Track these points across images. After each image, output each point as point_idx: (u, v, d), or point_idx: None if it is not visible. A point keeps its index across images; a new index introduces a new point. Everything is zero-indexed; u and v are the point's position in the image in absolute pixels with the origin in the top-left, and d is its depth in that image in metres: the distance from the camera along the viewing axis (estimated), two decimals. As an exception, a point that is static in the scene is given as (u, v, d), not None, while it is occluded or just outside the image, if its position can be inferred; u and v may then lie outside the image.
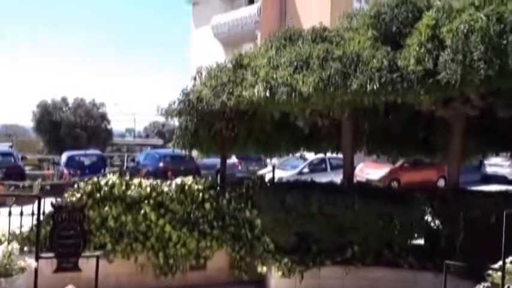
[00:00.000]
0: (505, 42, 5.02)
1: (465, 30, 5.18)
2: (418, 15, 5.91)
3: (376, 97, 5.66)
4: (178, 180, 7.27)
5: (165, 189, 7.09)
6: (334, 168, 17.30)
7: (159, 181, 7.36)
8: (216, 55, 22.26)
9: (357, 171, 17.88)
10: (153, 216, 6.82)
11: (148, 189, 6.97)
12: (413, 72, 5.36)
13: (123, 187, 6.94)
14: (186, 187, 7.15)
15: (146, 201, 6.89)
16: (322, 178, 13.26)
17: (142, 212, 6.81)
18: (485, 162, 19.81)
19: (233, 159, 19.08)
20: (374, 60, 5.56)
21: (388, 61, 5.53)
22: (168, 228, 6.84)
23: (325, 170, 17.89)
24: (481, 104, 6.29)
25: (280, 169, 17.23)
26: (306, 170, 17.86)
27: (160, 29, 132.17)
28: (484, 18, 5.11)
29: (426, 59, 5.36)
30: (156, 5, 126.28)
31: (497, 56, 5.01)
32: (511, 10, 5.14)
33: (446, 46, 5.33)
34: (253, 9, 25.21)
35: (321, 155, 15.18)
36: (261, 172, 16.33)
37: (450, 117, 6.73)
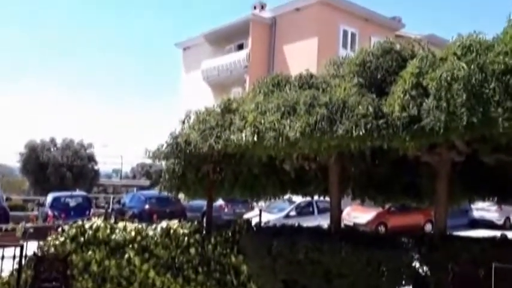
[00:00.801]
0: (486, 90, 5.16)
1: (448, 79, 5.32)
2: (403, 63, 6.09)
3: (362, 142, 5.72)
4: (164, 223, 7.17)
5: (150, 233, 6.97)
6: (321, 211, 17.23)
7: (144, 225, 7.25)
8: (205, 98, 22.55)
9: (344, 214, 17.82)
10: (137, 261, 6.66)
11: (133, 233, 6.85)
12: (399, 119, 5.45)
13: (108, 231, 6.83)
14: (171, 231, 7.04)
15: (130, 246, 6.76)
16: (309, 222, 13.19)
17: (126, 256, 6.66)
18: (473, 206, 19.91)
19: (219, 202, 18.91)
20: (360, 107, 5.66)
21: (374, 108, 5.63)
22: (152, 273, 6.67)
23: (312, 213, 17.80)
24: (466, 149, 6.38)
25: (266, 212, 17.10)
26: (293, 213, 17.73)
27: (150, 71, 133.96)
28: (465, 67, 5.26)
29: (411, 106, 5.47)
30: (146, 48, 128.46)
31: (480, 104, 5.12)
32: (492, 60, 5.32)
33: (430, 94, 5.46)
34: (242, 54, 25.81)
35: (308, 198, 15.14)
36: (247, 215, 16.16)
37: (436, 163, 6.81)
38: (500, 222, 20.61)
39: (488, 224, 19.76)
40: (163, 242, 6.92)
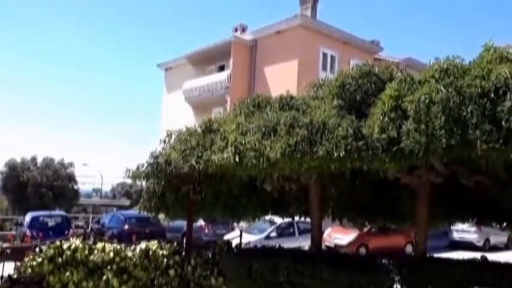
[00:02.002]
0: (464, 113, 5.25)
1: (426, 101, 5.39)
2: (381, 86, 6.18)
3: (342, 164, 5.74)
4: (143, 244, 7.03)
5: (129, 254, 6.82)
6: (302, 232, 17.14)
7: (123, 246, 7.08)
8: (186, 118, 22.49)
9: (325, 236, 17.78)
10: (115, 282, 6.50)
11: (111, 254, 6.70)
12: (378, 140, 5.50)
13: (86, 251, 6.66)
14: (151, 252, 6.90)
15: (109, 267, 6.61)
16: (290, 243, 13.10)
17: (104, 277, 6.51)
18: (452, 228, 20.07)
19: (200, 222, 18.68)
20: (340, 128, 5.70)
21: (353, 129, 5.68)
22: (129, 296, 6.48)
23: (293, 234, 17.69)
24: (445, 171, 6.45)
25: (247, 233, 16.94)
26: (273, 234, 17.60)
27: (132, 91, 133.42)
28: (443, 90, 5.36)
29: (390, 128, 5.52)
30: (129, 68, 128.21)
31: (458, 127, 5.20)
32: (469, 83, 5.43)
33: (408, 116, 5.53)
34: (223, 75, 25.95)
35: (289, 219, 15.08)
36: (228, 236, 15.99)
37: (415, 185, 6.86)
38: (480, 243, 20.72)
39: (468, 246, 19.86)
40: (142, 263, 6.77)
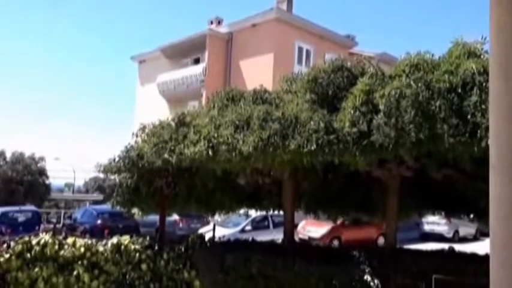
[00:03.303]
0: (433, 108, 5.36)
1: (396, 96, 5.49)
2: (353, 80, 6.25)
3: (314, 157, 5.79)
4: (115, 239, 6.94)
5: (100, 249, 6.73)
6: (276, 225, 17.25)
7: (94, 240, 6.98)
8: (161, 112, 22.24)
9: (299, 228, 17.95)
10: (86, 277, 6.41)
11: (82, 249, 6.59)
12: (349, 134, 5.56)
13: (56, 247, 6.53)
14: (122, 247, 6.82)
15: (80, 262, 6.51)
16: (264, 236, 13.18)
17: (75, 273, 6.40)
18: (423, 220, 20.54)
19: (174, 217, 18.55)
20: (311, 122, 5.75)
21: (325, 123, 5.73)
22: (101, 291, 6.41)
23: (267, 227, 17.79)
24: (415, 165, 6.59)
25: (222, 226, 16.95)
26: (248, 227, 17.66)
27: (106, 84, 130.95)
28: (413, 84, 5.46)
29: (361, 122, 5.60)
30: (102, 60, 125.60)
31: (427, 121, 5.32)
32: (438, 78, 5.55)
33: (379, 110, 5.61)
34: (198, 68, 25.74)
35: (263, 213, 15.15)
36: (202, 230, 15.95)
37: (386, 178, 6.99)
38: (450, 235, 21.34)
39: (439, 237, 20.38)
40: (114, 258, 6.69)
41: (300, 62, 24.77)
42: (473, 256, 7.16)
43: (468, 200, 7.42)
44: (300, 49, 25.19)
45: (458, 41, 6.00)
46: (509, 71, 1.64)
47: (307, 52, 25.43)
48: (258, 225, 17.94)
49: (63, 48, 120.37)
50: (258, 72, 22.01)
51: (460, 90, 5.23)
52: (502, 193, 1.69)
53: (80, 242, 6.76)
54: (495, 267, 1.70)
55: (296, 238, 9.08)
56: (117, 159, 6.90)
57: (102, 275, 6.52)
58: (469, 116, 5.10)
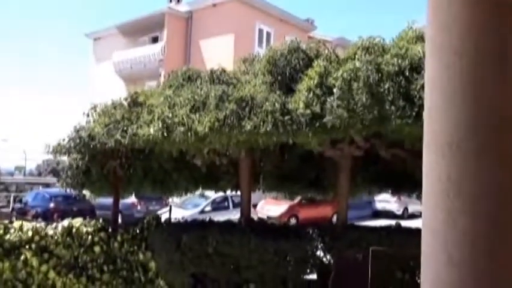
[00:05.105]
0: (382, 89, 5.54)
1: (349, 78, 5.63)
2: (309, 62, 6.34)
3: (269, 138, 5.88)
4: (65, 222, 6.79)
5: (50, 232, 6.58)
6: (236, 206, 17.37)
7: (43, 224, 6.80)
8: (117, 92, 21.64)
9: (258, 208, 18.22)
10: (34, 262, 6.25)
11: (30, 233, 6.41)
12: (302, 115, 5.67)
13: (1, 231, 6.31)
14: (74, 230, 6.69)
15: (27, 246, 6.32)
16: (224, 216, 13.27)
17: (22, 257, 6.21)
18: (376, 198, 21.33)
19: (132, 199, 18.32)
20: (267, 103, 5.81)
21: (280, 104, 5.81)
22: (52, 274, 6.31)
23: (227, 208, 17.92)
24: (365, 145, 6.82)
25: (182, 208, 16.94)
26: (208, 208, 17.72)
27: (59, 61, 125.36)
28: (364, 67, 5.61)
29: (314, 103, 5.72)
30: (54, 36, 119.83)
31: (376, 103, 5.49)
32: (387, 61, 5.72)
33: (333, 92, 5.75)
34: (157, 47, 25.20)
35: (223, 194, 15.22)
36: (160, 212, 15.86)
37: (338, 158, 7.19)
38: (400, 212, 22.38)
39: (389, 214, 21.35)
40: (65, 241, 6.56)
41: (260, 44, 24.73)
42: (417, 231, 7.53)
43: (414, 178, 7.77)
44: (261, 31, 25.13)
45: (409, 25, 6.20)
46: (444, 51, 1.71)
47: (268, 34, 25.41)
48: (219, 206, 18.03)
49: (10, 22, 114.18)
50: (218, 53, 21.80)
51: (407, 73, 5.43)
52: (433, 169, 1.78)
53: (28, 225, 6.57)
54: (425, 235, 1.82)
55: (255, 217, 9.22)
56: (66, 139, 6.71)
57: (52, 258, 6.38)
58: (415, 99, 5.31)
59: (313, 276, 7.35)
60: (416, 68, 5.44)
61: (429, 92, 1.87)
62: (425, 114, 1.88)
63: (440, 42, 1.77)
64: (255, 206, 17.09)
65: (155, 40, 26.59)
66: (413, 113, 5.26)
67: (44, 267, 6.27)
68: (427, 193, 1.85)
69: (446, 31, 1.73)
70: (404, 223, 8.67)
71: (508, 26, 1.71)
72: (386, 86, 5.51)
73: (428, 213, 1.85)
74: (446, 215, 1.73)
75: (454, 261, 1.68)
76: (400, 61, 5.53)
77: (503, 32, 1.70)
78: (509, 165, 1.69)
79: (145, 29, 26.34)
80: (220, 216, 12.70)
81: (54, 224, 6.80)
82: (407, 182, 7.99)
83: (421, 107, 5.28)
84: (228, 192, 11.89)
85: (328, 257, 7.09)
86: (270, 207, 18.78)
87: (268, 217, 17.77)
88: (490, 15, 1.67)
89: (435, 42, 1.81)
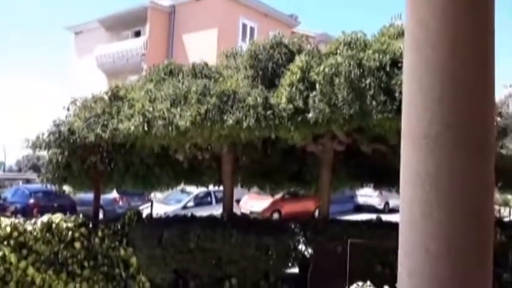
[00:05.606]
0: (363, 84, 5.57)
1: (331, 73, 5.64)
2: (291, 57, 6.34)
3: (251, 132, 5.87)
4: (45, 218, 6.68)
5: (29, 228, 6.45)
6: (219, 201, 17.28)
7: (22, 220, 6.68)
8: (99, 86, 21.31)
9: (241, 203, 18.20)
10: (13, 258, 6.14)
11: (8, 229, 6.29)
12: (285, 110, 5.68)
13: (-23, 227, 6.17)
14: (54, 225, 6.58)
15: (5, 242, 6.20)
16: (206, 211, 13.22)
17: (0, 254, 6.09)
18: (357, 193, 21.50)
19: (113, 195, 18.12)
20: (249, 98, 5.79)
21: (263, 99, 5.80)
22: (31, 270, 6.20)
23: (210, 203, 17.84)
24: (347, 140, 6.86)
25: (164, 204, 16.81)
26: (191, 203, 17.62)
27: (39, 54, 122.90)
28: (346, 62, 5.63)
29: (297, 98, 5.72)
30: (33, 28, 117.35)
31: (358, 98, 5.53)
32: (369, 57, 5.75)
33: (315, 87, 5.76)
34: (139, 42, 24.90)
35: (206, 189, 15.17)
36: (142, 207, 15.73)
37: (320, 152, 7.23)
38: (381, 206, 22.62)
39: (371, 209, 21.55)
40: (45, 237, 6.45)
41: (244, 39, 24.61)
42: (397, 224, 7.63)
43: (395, 173, 7.86)
44: (244, 26, 25.03)
45: (392, 21, 6.25)
46: (421, 44, 1.73)
47: (251, 29, 25.32)
48: (201, 201, 17.93)
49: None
50: (201, 48, 21.63)
51: (388, 69, 5.48)
52: (410, 159, 1.80)
53: (5, 221, 6.44)
54: (403, 227, 1.84)
55: (238, 213, 9.22)
56: (46, 133, 6.58)
57: (31, 254, 6.26)
58: (396, 94, 5.36)
59: (295, 270, 7.39)
60: (397, 63, 5.49)
61: (407, 85, 1.89)
62: (404, 107, 1.90)
63: (418, 36, 1.79)
64: (238, 201, 17.06)
65: (138, 34, 26.27)
66: (394, 108, 5.31)
67: (22, 264, 6.15)
68: (405, 186, 1.87)
69: (424, 26, 1.75)
70: (385, 217, 8.77)
71: (483, 22, 1.74)
72: (368, 81, 5.55)
73: (406, 206, 1.88)
74: (423, 208, 1.76)
75: (431, 252, 1.70)
76: (381, 56, 5.57)
77: (480, 28, 1.73)
78: (485, 159, 1.72)
79: (128, 23, 26.00)
80: (203, 212, 12.64)
81: (33, 220, 6.68)
82: (388, 176, 8.06)
83: (402, 101, 5.33)
84: (211, 188, 11.87)
85: (309, 250, 7.14)
86: (253, 202, 18.78)
87: (251, 212, 17.78)
88: (466, 12, 1.70)
89: (413, 37, 1.83)
